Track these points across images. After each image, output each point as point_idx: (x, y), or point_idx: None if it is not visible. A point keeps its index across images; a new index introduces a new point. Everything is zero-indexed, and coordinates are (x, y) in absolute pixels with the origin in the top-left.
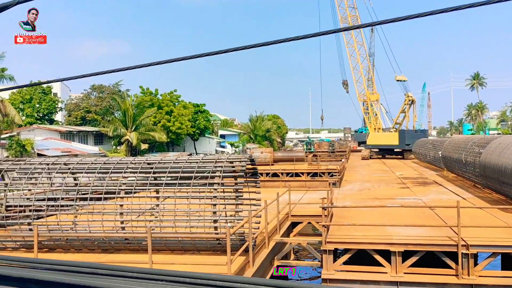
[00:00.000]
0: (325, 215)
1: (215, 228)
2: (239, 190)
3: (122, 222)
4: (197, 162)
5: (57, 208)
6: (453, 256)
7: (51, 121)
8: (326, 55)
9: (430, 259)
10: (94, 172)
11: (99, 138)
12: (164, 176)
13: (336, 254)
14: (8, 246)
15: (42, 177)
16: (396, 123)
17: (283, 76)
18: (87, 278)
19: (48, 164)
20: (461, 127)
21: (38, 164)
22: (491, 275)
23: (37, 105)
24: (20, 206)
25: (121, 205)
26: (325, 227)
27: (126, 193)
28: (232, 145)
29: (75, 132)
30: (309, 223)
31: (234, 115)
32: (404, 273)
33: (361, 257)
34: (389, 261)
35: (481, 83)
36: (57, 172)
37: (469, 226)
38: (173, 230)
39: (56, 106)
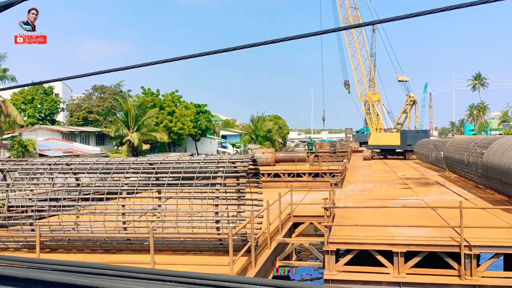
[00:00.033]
0: (327, 216)
1: (217, 228)
2: (241, 191)
3: (124, 223)
4: (199, 163)
5: (59, 208)
6: (456, 256)
7: (53, 122)
8: (328, 56)
9: (432, 259)
10: (96, 173)
11: (101, 139)
12: (166, 177)
13: (338, 254)
14: (10, 247)
15: (44, 177)
16: (397, 123)
17: (285, 77)
18: (93, 279)
19: (50, 165)
20: (462, 128)
21: (40, 164)
22: (494, 275)
23: (39, 106)
24: (22, 206)
25: (123, 206)
26: (327, 227)
27: (128, 193)
28: (233, 145)
29: (76, 133)
30: (311, 223)
31: (235, 116)
32: (407, 273)
33: (363, 258)
34: (391, 262)
35: (482, 83)
36: (59, 173)
37: (471, 227)
38: (175, 230)
39: (58, 106)
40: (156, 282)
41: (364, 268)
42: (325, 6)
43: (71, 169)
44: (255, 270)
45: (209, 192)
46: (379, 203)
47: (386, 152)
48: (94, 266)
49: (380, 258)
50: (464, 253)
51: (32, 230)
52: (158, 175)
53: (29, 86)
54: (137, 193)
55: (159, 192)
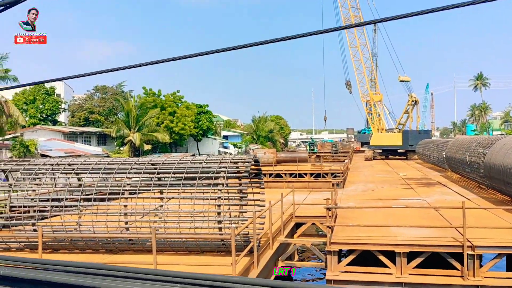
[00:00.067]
0: (330, 216)
1: (220, 228)
2: (243, 191)
3: (126, 223)
4: (201, 163)
5: (61, 208)
6: (459, 257)
7: (55, 122)
8: (329, 56)
9: (435, 260)
10: (98, 173)
11: (102, 139)
12: (168, 177)
13: (340, 255)
14: (12, 247)
15: (46, 177)
16: (399, 123)
17: (286, 77)
18: (102, 280)
19: (52, 165)
20: (464, 128)
21: (42, 164)
22: (497, 276)
23: (41, 106)
24: (24, 206)
25: (125, 206)
26: (330, 228)
27: (130, 193)
28: (235, 145)
29: (78, 133)
30: (313, 224)
31: (236, 116)
32: (409, 274)
33: (366, 258)
34: (394, 262)
35: (484, 83)
36: (61, 173)
37: (474, 227)
38: (177, 230)
39: (60, 107)
40: (163, 283)
41: (367, 269)
42: (326, 6)
43: (73, 169)
44: (258, 270)
45: (211, 193)
46: (381, 203)
47: (388, 153)
48: (107, 268)
49: (383, 258)
50: (467, 254)
51: (34, 230)
52: (160, 175)
53: (31, 87)
54: (139, 193)
55: (161, 192)
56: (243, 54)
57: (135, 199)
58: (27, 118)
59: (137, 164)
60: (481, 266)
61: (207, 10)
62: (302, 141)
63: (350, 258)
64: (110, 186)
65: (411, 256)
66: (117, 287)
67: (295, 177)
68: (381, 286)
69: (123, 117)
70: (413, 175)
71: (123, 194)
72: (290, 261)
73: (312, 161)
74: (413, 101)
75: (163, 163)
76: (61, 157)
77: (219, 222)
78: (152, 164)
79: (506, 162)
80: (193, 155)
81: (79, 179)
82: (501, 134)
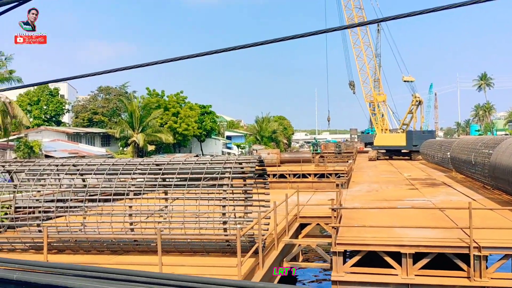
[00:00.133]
0: (335, 217)
1: (225, 229)
2: (248, 191)
3: (131, 224)
4: (205, 164)
5: (66, 209)
6: (465, 258)
7: (59, 123)
8: (332, 56)
9: (441, 261)
10: (103, 174)
11: (106, 140)
12: (173, 178)
13: (346, 255)
14: (17, 248)
15: (51, 178)
16: (403, 124)
17: (289, 77)
18: (118, 286)
19: (57, 166)
20: (468, 128)
21: (47, 165)
22: (504, 277)
23: (45, 107)
24: (29, 207)
25: (130, 207)
26: (335, 228)
27: (135, 194)
28: (238, 146)
29: (82, 134)
30: (318, 224)
31: (240, 117)
32: (415, 275)
33: (371, 259)
34: (399, 263)
35: (488, 83)
36: (66, 174)
37: (480, 228)
38: (182, 231)
39: (63, 107)
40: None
41: (372, 270)
42: (329, 7)
43: (78, 170)
44: (263, 271)
45: (216, 193)
46: (385, 204)
47: (392, 153)
48: (124, 273)
49: (388, 259)
50: (474, 255)
51: (39, 231)
52: (165, 176)
53: (35, 88)
54: (144, 194)
55: (166, 193)
56: (246, 54)
57: (140, 200)
58: (31, 119)
59: (141, 164)
60: (487, 267)
61: (208, 10)
62: (305, 142)
63: (356, 259)
64: (115, 187)
65: (417, 257)
66: None
67: (298, 177)
68: (387, 287)
69: (126, 117)
70: (418, 175)
71: (128, 194)
72: (295, 262)
73: (316, 161)
74: (417, 101)
75: (167, 164)
76: (65, 157)
77: (224, 223)
78: (157, 165)
79: (511, 163)
80: (197, 156)
81: (83, 180)
82: (506, 134)
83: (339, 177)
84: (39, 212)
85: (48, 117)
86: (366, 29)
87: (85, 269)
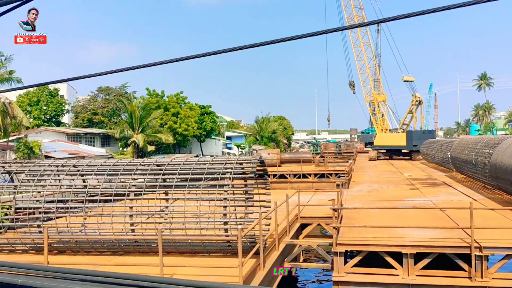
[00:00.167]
0: (335, 217)
1: (225, 230)
2: (249, 192)
3: (131, 224)
4: (206, 164)
5: (66, 210)
6: (466, 258)
7: (58, 123)
8: (332, 56)
9: (442, 261)
10: (104, 174)
11: (106, 140)
12: (173, 178)
13: (347, 256)
14: (17, 248)
15: (51, 179)
16: (403, 123)
17: (289, 77)
18: None
19: (57, 166)
20: (468, 128)
21: (47, 166)
22: (505, 277)
23: (44, 107)
24: (30, 208)
25: (131, 207)
26: (336, 229)
27: (135, 195)
28: (238, 146)
29: (82, 134)
30: (319, 224)
31: (240, 117)
32: (416, 275)
33: (372, 259)
34: (400, 263)
35: (488, 83)
36: (66, 174)
37: (482, 228)
38: (183, 232)
39: (63, 108)
40: None
41: (373, 270)
42: (329, 7)
43: (78, 170)
44: (264, 272)
45: (217, 194)
46: (386, 204)
47: (392, 153)
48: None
49: (389, 259)
50: (475, 255)
51: (40, 232)
52: (166, 176)
53: (35, 88)
54: (144, 194)
55: (167, 193)
56: (246, 54)
57: (141, 201)
58: (31, 120)
59: (142, 165)
60: (488, 267)
61: (208, 10)
62: (305, 142)
63: (357, 259)
64: (116, 188)
65: (418, 257)
66: None
67: (299, 177)
68: (388, 287)
69: (126, 118)
70: (418, 175)
71: (128, 195)
72: (296, 262)
73: (316, 161)
74: (417, 101)
75: (168, 164)
76: (65, 158)
77: (225, 223)
78: (158, 165)
79: None
80: (197, 156)
81: (84, 181)
82: (506, 134)
83: (339, 177)
84: (40, 213)
85: (48, 117)
86: (366, 29)
87: (90, 274)
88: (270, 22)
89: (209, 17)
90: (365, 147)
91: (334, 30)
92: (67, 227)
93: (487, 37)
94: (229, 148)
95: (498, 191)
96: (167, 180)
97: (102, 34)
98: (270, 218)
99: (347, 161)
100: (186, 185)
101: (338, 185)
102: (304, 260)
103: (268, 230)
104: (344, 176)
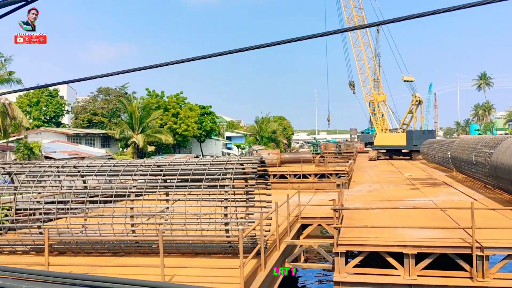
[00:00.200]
0: (336, 217)
1: (226, 230)
2: (250, 193)
3: (132, 225)
4: (207, 165)
5: (67, 211)
6: (467, 258)
7: (58, 124)
8: (332, 56)
9: (443, 261)
10: (104, 175)
11: (106, 141)
12: (174, 179)
13: (348, 256)
14: (18, 250)
15: (51, 180)
16: (403, 123)
17: (288, 77)
18: None
19: (57, 167)
20: (468, 128)
21: (48, 167)
22: (506, 277)
23: (44, 108)
24: (30, 209)
25: (131, 208)
26: (337, 229)
27: (136, 195)
28: (238, 146)
29: (82, 135)
30: (319, 225)
31: (239, 117)
32: (418, 275)
33: (373, 260)
34: (402, 264)
35: (488, 83)
36: (66, 175)
37: (483, 228)
38: (184, 233)
39: (63, 109)
40: None
41: (374, 270)
42: (329, 6)
43: (78, 171)
44: (265, 272)
45: (218, 194)
46: (387, 204)
47: (392, 153)
48: (136, 284)
49: (391, 260)
50: (476, 255)
51: (40, 233)
52: (166, 177)
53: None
54: (145, 195)
55: (167, 194)
56: (245, 54)
57: (141, 201)
58: (30, 120)
59: (143, 166)
60: (489, 267)
61: (208, 10)
62: (305, 142)
63: (358, 259)
64: (116, 188)
65: (419, 257)
66: None
67: (299, 178)
68: None
69: (126, 118)
70: (418, 175)
71: (129, 196)
72: (296, 263)
73: (316, 161)
74: (417, 101)
75: (169, 165)
76: (65, 159)
77: (226, 224)
78: (158, 166)
79: None
80: (197, 157)
81: (84, 181)
82: (505, 134)
83: (339, 177)
84: (40, 214)
85: (48, 118)
86: (365, 29)
87: (94, 279)
88: (270, 22)
89: (209, 17)
90: (365, 147)
91: (335, 32)
92: (68, 228)
93: (487, 37)
94: (229, 149)
95: (498, 190)
96: (168, 180)
97: (102, 34)
98: (271, 219)
99: (347, 161)
100: (187, 186)
101: (338, 185)
102: (305, 261)
103: (269, 231)
104: (344, 176)
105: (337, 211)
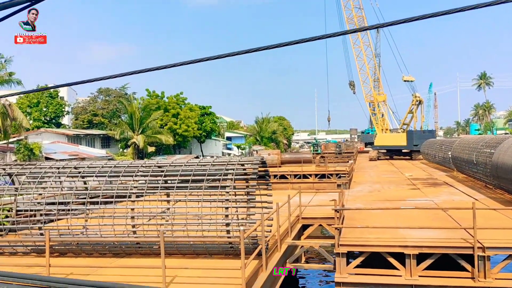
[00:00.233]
0: (337, 218)
1: (228, 231)
2: (251, 193)
3: (133, 226)
4: (207, 165)
5: (67, 212)
6: (469, 258)
7: (58, 125)
8: (332, 56)
9: (445, 261)
10: (105, 176)
11: (106, 141)
12: (175, 179)
13: (349, 257)
14: (19, 251)
15: (52, 181)
16: (403, 123)
17: (289, 78)
18: None
19: (58, 168)
20: (468, 127)
21: (48, 168)
22: (508, 277)
23: (44, 109)
24: (31, 210)
25: (132, 209)
26: (338, 229)
27: (137, 196)
28: (238, 147)
29: (82, 136)
30: (320, 225)
31: (240, 117)
32: (419, 276)
33: (375, 260)
34: (403, 264)
35: (488, 82)
36: (67, 176)
37: (484, 228)
38: (185, 233)
39: (63, 109)
40: None
41: (376, 271)
42: (329, 6)
43: (79, 172)
44: (266, 273)
45: (219, 195)
46: (388, 204)
47: (392, 153)
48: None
49: (392, 260)
50: (478, 255)
51: (41, 234)
52: (167, 178)
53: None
54: (146, 196)
55: (168, 195)
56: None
57: (142, 202)
58: (31, 121)
59: (143, 166)
60: (491, 267)
61: (208, 10)
62: (305, 142)
63: (359, 260)
64: (117, 189)
65: (420, 257)
66: None
67: (299, 178)
68: None
69: (126, 119)
70: (419, 175)
71: (129, 197)
72: (298, 263)
73: (316, 162)
74: (417, 101)
75: (169, 166)
76: (65, 159)
77: (227, 224)
78: (159, 167)
79: None
80: (197, 157)
81: (85, 182)
82: (505, 133)
83: (340, 177)
84: (41, 215)
85: (48, 119)
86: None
87: (100, 286)
88: (270, 22)
89: (209, 17)
90: (365, 147)
91: (334, 34)
92: (69, 229)
93: (487, 37)
94: (229, 149)
95: (499, 190)
96: (169, 181)
97: (102, 34)
98: (272, 219)
99: (348, 161)
100: (187, 186)
101: (339, 186)
102: (306, 261)
103: (270, 231)
104: (344, 177)
105: (338, 212)
